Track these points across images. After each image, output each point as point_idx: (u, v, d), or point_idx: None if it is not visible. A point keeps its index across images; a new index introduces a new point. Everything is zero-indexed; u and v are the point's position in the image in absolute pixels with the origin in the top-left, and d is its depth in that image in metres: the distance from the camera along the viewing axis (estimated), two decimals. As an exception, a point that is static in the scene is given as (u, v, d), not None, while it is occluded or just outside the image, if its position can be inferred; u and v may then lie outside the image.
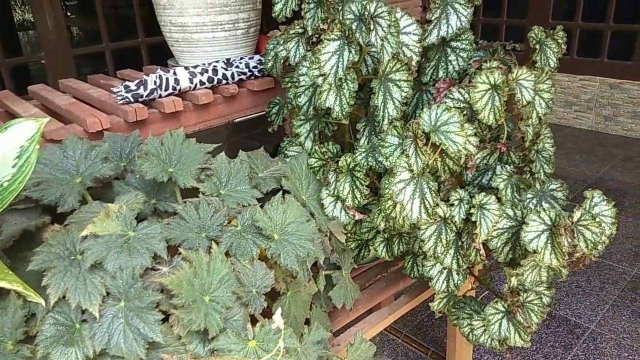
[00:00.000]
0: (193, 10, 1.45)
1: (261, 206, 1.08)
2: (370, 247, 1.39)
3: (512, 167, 1.21)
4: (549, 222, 1.04)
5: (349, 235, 1.39)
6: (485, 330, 1.26)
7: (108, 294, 0.85)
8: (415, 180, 1.02)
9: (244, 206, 1.08)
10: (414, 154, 1.01)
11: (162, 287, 0.86)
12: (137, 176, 1.08)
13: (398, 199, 1.02)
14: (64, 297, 0.83)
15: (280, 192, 1.10)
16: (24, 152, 0.77)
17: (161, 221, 1.03)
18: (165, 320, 0.86)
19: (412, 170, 1.01)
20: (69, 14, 8.56)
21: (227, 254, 1.00)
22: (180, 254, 0.95)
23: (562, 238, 1.01)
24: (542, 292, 1.23)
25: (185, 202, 1.04)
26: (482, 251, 1.10)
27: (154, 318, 0.83)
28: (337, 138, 1.41)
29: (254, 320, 0.96)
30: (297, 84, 1.24)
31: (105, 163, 1.05)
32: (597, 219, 1.04)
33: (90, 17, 3.66)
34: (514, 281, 1.18)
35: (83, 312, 0.85)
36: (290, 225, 1.05)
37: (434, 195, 1.03)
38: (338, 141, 1.39)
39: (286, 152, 1.36)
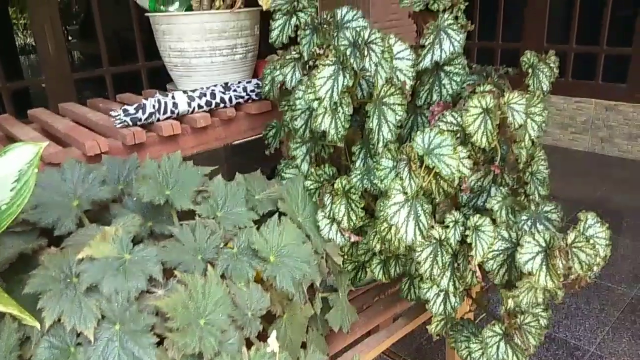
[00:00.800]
0: (192, 35, 1.48)
1: (257, 228, 1.09)
2: (367, 269, 1.40)
3: (506, 189, 1.22)
4: (544, 244, 1.05)
5: (345, 257, 1.39)
6: (483, 353, 1.26)
7: (103, 317, 0.85)
8: (409, 203, 1.03)
9: (240, 228, 1.09)
10: (408, 176, 1.02)
11: (157, 310, 0.86)
12: (135, 199, 1.09)
13: (393, 221, 1.02)
14: (59, 320, 0.83)
15: (277, 214, 1.10)
16: (23, 175, 0.78)
17: (157, 244, 1.04)
18: (160, 343, 0.86)
19: (406, 193, 1.02)
20: (70, 38, 8.68)
21: (222, 276, 1.00)
22: (176, 276, 0.95)
23: (556, 260, 1.02)
24: (539, 314, 1.23)
25: (181, 224, 1.05)
26: (478, 273, 1.10)
27: (148, 341, 0.83)
28: (333, 160, 1.43)
29: (249, 344, 0.95)
30: (293, 107, 1.26)
31: (103, 186, 1.06)
32: (591, 241, 1.04)
33: (91, 41, 3.72)
34: (510, 303, 1.18)
35: (78, 335, 0.84)
36: (286, 247, 1.05)
37: (428, 217, 1.04)
38: (334, 163, 1.40)
39: (283, 174, 1.38)
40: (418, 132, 1.03)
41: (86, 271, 0.86)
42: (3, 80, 3.23)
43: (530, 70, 1.34)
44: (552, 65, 1.39)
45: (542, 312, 1.23)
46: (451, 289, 1.16)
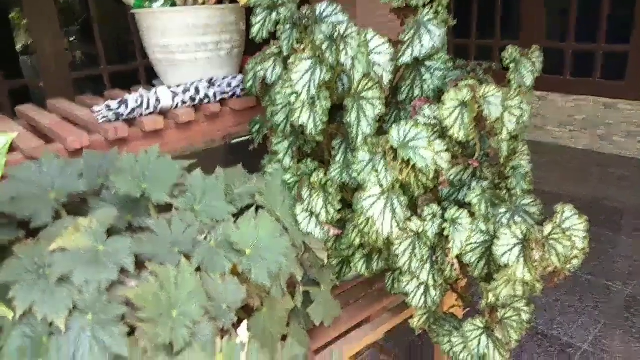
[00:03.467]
0: (176, 31, 1.48)
1: (235, 220, 1.10)
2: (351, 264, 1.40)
3: (487, 183, 1.22)
4: (520, 236, 1.05)
5: (329, 251, 1.39)
6: (464, 347, 1.26)
7: (75, 307, 0.86)
8: (385, 195, 1.04)
9: (217, 221, 1.10)
10: (384, 169, 1.02)
11: (128, 300, 0.86)
12: (113, 192, 1.10)
13: (369, 213, 1.03)
14: (30, 310, 0.83)
15: (254, 207, 1.11)
16: (-9, 166, 0.78)
17: (134, 236, 1.04)
18: (131, 334, 0.86)
19: (381, 185, 1.02)
20: (71, 38, 8.73)
21: (198, 269, 1.01)
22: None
23: (533, 252, 1.02)
24: (521, 308, 1.23)
25: (158, 217, 1.05)
26: (457, 266, 1.10)
27: (119, 331, 0.84)
28: (317, 155, 1.43)
29: (227, 336, 0.96)
30: (274, 102, 1.27)
31: (80, 179, 1.06)
32: (568, 233, 1.04)
33: (90, 41, 3.74)
34: (490, 297, 1.18)
35: (50, 325, 0.85)
36: (263, 240, 1.06)
37: (404, 209, 1.04)
38: (318, 158, 1.40)
39: (266, 169, 1.38)
40: (394, 126, 1.03)
41: (58, 262, 0.87)
42: (1, 78, 3.26)
43: (512, 66, 1.34)
44: (534, 60, 1.39)
45: (524, 307, 1.23)
46: (431, 282, 1.16)
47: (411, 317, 1.33)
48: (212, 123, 1.52)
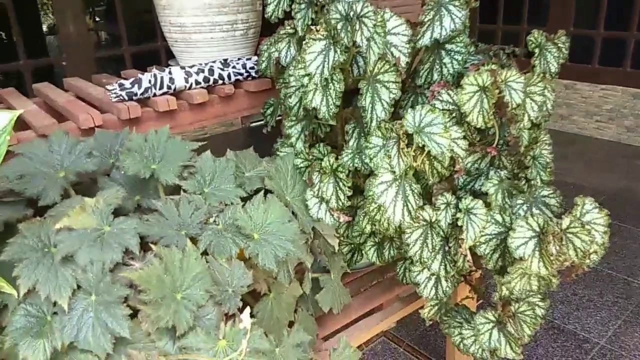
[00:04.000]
0: (191, 10, 1.46)
1: (244, 204, 1.08)
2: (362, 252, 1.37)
3: (505, 172, 1.17)
4: (537, 229, 1.01)
5: (341, 238, 1.37)
6: (475, 340, 1.23)
7: (79, 287, 0.85)
8: (397, 182, 1.00)
9: (226, 205, 1.08)
10: (396, 155, 0.99)
11: (132, 282, 0.85)
12: (122, 172, 1.09)
13: (380, 200, 1.00)
14: (35, 289, 0.83)
15: (263, 191, 1.09)
16: (-4, 142, 0.77)
17: (142, 217, 1.03)
18: (134, 316, 0.86)
19: (394, 172, 0.99)
20: (97, 18, 8.79)
21: (205, 252, 1.00)
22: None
23: (550, 246, 0.98)
24: (536, 303, 1.19)
25: (166, 199, 1.04)
26: (469, 257, 1.07)
27: (121, 313, 0.83)
28: (330, 139, 1.40)
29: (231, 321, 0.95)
30: (287, 84, 1.24)
31: (89, 158, 1.05)
32: (588, 227, 1.00)
33: (115, 21, 3.74)
34: (504, 290, 1.14)
35: (54, 304, 0.85)
36: (271, 225, 1.04)
37: (417, 197, 1.01)
38: (331, 142, 1.37)
39: (278, 153, 1.36)
40: (409, 110, 1.00)
41: (63, 241, 0.86)
42: (25, 57, 3.29)
43: (537, 51, 1.28)
44: (560, 45, 1.33)
45: (539, 302, 1.19)
46: (442, 272, 1.13)
47: (422, 307, 1.31)
48: (226, 104, 1.50)
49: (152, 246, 0.90)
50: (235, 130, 4.94)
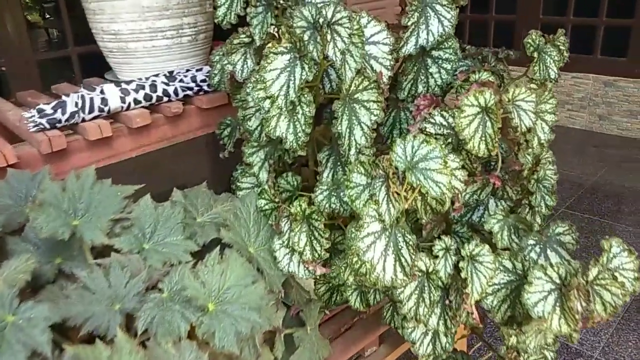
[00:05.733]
0: (127, 15, 1.21)
1: (196, 263, 0.86)
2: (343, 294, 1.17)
3: (508, 202, 0.99)
4: (558, 280, 0.82)
5: (317, 278, 1.16)
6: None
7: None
8: (387, 233, 0.80)
9: (172, 265, 0.86)
10: (385, 199, 0.79)
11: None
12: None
13: (366, 257, 0.79)
14: None
15: (219, 246, 0.87)
16: None
17: (65, 287, 0.81)
18: None
19: (383, 221, 0.79)
20: (47, 15, 8.23)
21: (145, 332, 0.78)
22: (79, 338, 0.72)
23: (574, 302, 0.80)
24: (547, 349, 1.02)
25: (93, 265, 0.81)
26: (475, 314, 0.88)
27: None
28: (300, 164, 1.19)
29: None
30: (245, 104, 1.02)
31: (-9, 215, 0.82)
32: (617, 275, 0.82)
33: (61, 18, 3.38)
34: (512, 340, 0.96)
35: None
36: (231, 290, 0.82)
37: (412, 250, 0.81)
38: (300, 170, 1.17)
39: (239, 183, 1.14)
40: (398, 141, 0.80)
41: (-59, 349, 0.63)
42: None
43: (535, 55, 1.10)
44: (561, 47, 1.15)
45: (550, 349, 1.02)
46: (442, 328, 0.94)
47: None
48: (175, 125, 1.27)
49: (66, 347, 0.67)
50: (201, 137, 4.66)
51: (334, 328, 1.35)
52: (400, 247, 0.80)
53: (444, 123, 0.89)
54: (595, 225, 3.03)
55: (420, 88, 1.07)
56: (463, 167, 0.88)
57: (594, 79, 4.18)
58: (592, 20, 4.13)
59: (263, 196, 0.97)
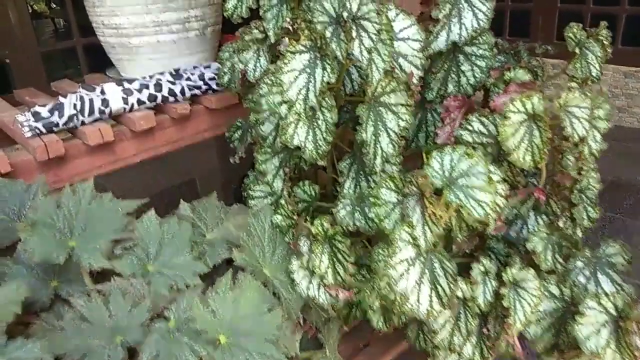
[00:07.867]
0: (129, 7, 1.12)
1: (206, 287, 0.77)
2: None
3: (550, 217, 0.89)
4: (613, 312, 0.73)
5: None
6: None
7: None
8: (422, 259, 0.71)
9: (179, 290, 0.77)
10: (421, 221, 0.69)
11: None
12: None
13: (399, 286, 0.70)
14: None
15: (231, 269, 0.78)
16: None
17: (62, 312, 0.72)
18: None
19: (417, 245, 0.69)
20: (53, 5, 8.12)
21: (150, 370, 0.69)
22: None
23: (633, 336, 0.70)
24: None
25: (91, 291, 0.73)
26: (518, 346, 0.79)
27: None
28: (316, 169, 1.10)
29: None
30: (258, 107, 0.92)
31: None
32: (682, 305, 0.72)
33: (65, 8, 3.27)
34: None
35: None
36: (245, 320, 0.73)
37: (450, 279, 0.71)
38: (316, 174, 1.07)
39: (251, 191, 1.05)
40: (434, 154, 0.70)
41: None
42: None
43: (577, 50, 1.00)
44: (605, 42, 1.05)
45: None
46: (477, 358, 0.84)
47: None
48: (181, 127, 1.18)
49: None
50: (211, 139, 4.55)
51: (352, 345, 1.26)
52: (437, 274, 0.71)
53: (484, 130, 0.79)
54: (617, 223, 2.92)
55: (451, 87, 0.97)
56: (504, 180, 0.78)
57: (613, 70, 4.03)
58: (613, 9, 3.98)
59: (279, 211, 0.88)
